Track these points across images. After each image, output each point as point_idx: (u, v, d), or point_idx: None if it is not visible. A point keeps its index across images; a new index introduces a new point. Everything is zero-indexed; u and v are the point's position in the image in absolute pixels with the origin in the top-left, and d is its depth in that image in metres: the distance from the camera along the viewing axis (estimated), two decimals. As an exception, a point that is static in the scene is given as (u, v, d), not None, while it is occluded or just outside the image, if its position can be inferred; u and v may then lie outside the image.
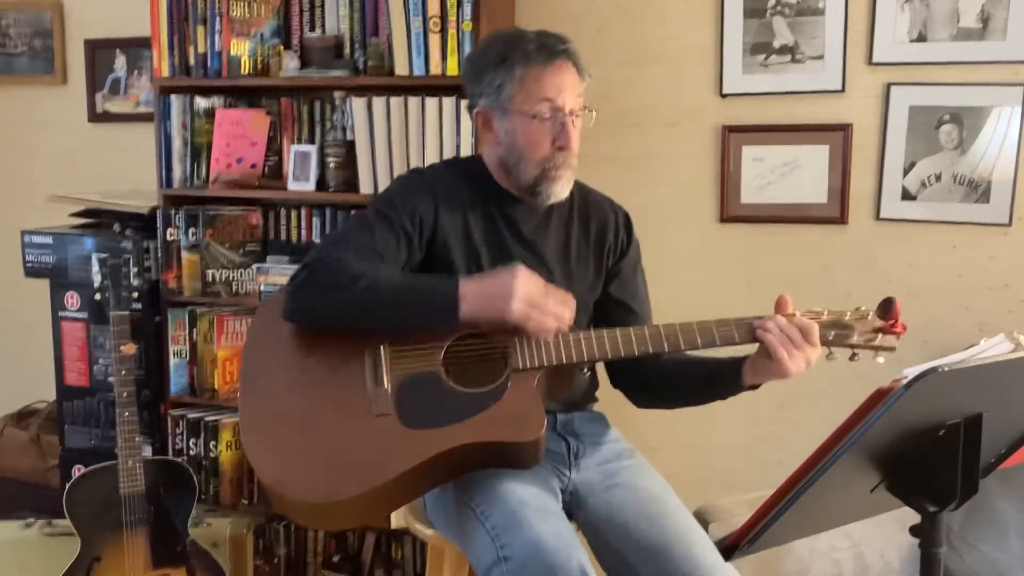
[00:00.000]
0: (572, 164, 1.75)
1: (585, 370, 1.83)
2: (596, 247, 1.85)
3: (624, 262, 1.88)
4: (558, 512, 1.60)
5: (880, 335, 1.63)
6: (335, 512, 1.60)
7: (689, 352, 1.72)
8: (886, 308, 1.62)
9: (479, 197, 1.78)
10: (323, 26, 2.67)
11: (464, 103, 2.44)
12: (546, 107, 1.70)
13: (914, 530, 1.25)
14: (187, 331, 2.73)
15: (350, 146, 2.58)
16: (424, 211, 1.73)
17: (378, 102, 2.52)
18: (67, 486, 2.39)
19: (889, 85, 2.51)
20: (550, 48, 1.70)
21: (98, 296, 2.46)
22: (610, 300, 1.87)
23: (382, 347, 1.65)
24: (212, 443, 2.71)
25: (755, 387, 1.70)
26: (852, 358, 1.65)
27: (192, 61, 2.68)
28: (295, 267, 1.71)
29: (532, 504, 1.56)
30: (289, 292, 1.66)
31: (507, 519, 1.53)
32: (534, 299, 1.57)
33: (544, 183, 1.74)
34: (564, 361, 1.64)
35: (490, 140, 1.78)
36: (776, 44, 2.58)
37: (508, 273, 1.59)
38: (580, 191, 1.87)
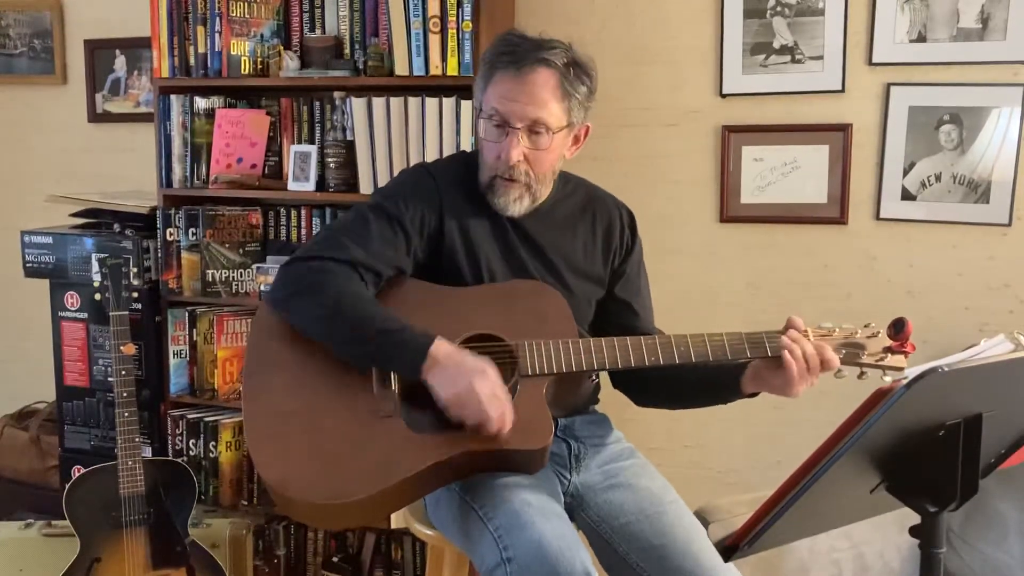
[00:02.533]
0: (520, 181, 1.69)
1: (593, 377, 1.82)
2: (603, 247, 1.84)
3: (629, 262, 1.87)
4: (561, 513, 1.59)
5: (889, 355, 1.63)
6: (338, 513, 1.60)
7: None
8: (898, 328, 1.61)
9: (483, 196, 1.76)
10: (323, 26, 2.67)
11: (465, 103, 2.45)
12: (494, 114, 1.67)
13: (914, 530, 1.24)
14: (187, 331, 2.73)
15: (350, 146, 2.58)
16: (429, 210, 1.71)
17: (378, 102, 2.52)
18: (67, 487, 2.39)
19: (889, 85, 2.51)
20: (521, 55, 1.64)
21: (98, 296, 2.46)
22: (614, 300, 1.86)
23: None
24: (212, 443, 2.71)
25: (754, 395, 1.69)
26: (860, 376, 1.64)
27: (192, 61, 2.68)
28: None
29: (535, 505, 1.56)
30: (278, 281, 1.65)
31: (511, 520, 1.53)
32: (489, 396, 1.52)
33: (489, 192, 1.72)
34: (574, 369, 1.63)
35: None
36: (776, 44, 2.58)
37: (481, 364, 1.54)
38: (585, 189, 1.86)
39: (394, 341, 1.56)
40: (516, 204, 1.72)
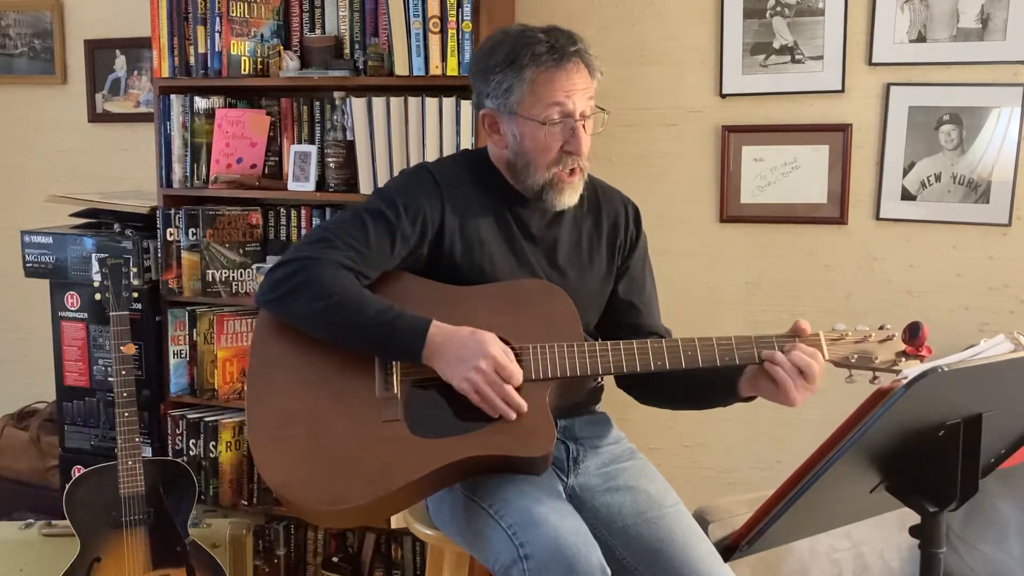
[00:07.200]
0: (583, 168, 1.71)
1: (599, 379, 1.81)
2: (609, 243, 1.82)
3: (634, 257, 1.85)
4: (572, 511, 1.59)
5: (904, 359, 1.59)
6: (339, 516, 1.61)
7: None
8: (913, 332, 1.57)
9: (488, 195, 1.74)
10: (323, 26, 2.67)
11: (464, 103, 2.45)
12: (556, 112, 1.65)
13: (914, 530, 1.25)
14: (187, 331, 2.73)
15: (350, 146, 2.58)
16: (430, 212, 1.69)
17: (378, 102, 2.53)
18: (67, 487, 2.38)
19: (889, 85, 2.51)
20: (561, 50, 1.65)
21: (98, 296, 2.46)
22: (616, 298, 1.84)
23: None
24: (212, 443, 2.71)
25: (751, 399, 1.69)
26: (873, 380, 1.60)
27: (192, 61, 2.68)
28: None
29: (547, 503, 1.55)
30: (266, 283, 1.64)
31: (524, 517, 1.52)
32: (493, 375, 1.54)
33: (550, 192, 1.71)
34: (578, 374, 1.62)
35: (497, 142, 1.74)
36: (776, 44, 2.58)
37: (480, 339, 1.56)
38: (590, 184, 1.83)
39: (388, 331, 1.57)
40: (576, 193, 1.74)
